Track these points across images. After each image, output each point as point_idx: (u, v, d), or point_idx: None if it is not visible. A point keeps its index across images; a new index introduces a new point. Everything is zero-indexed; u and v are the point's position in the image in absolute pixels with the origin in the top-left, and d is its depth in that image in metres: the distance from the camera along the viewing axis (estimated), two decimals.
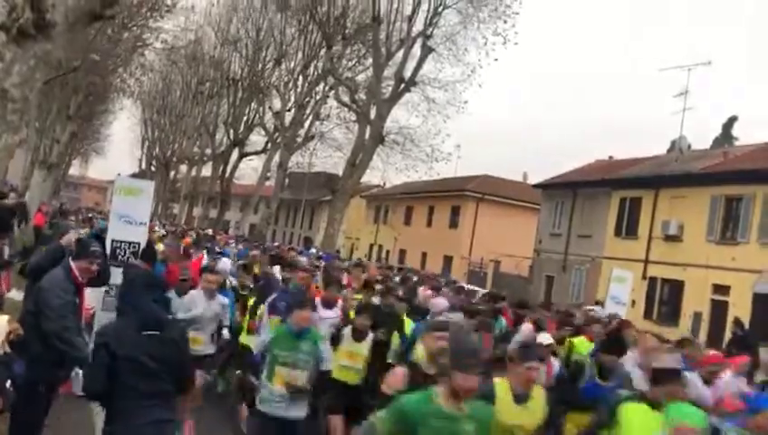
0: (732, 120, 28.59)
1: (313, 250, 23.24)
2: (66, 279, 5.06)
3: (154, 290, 4.12)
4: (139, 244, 8.60)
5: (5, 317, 2.54)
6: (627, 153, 33.02)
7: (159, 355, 3.88)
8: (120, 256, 8.55)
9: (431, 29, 28.79)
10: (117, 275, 8.13)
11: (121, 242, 8.66)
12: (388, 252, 45.34)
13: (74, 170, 71.95)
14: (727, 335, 18.88)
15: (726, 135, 28.39)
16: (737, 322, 17.87)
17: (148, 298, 4.03)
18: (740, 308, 20.53)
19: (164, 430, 3.92)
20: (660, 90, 63.14)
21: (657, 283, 25.05)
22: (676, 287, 24.13)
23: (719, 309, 21.87)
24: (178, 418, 4.01)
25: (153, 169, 61.17)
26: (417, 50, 29.03)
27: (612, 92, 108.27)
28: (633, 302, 22.35)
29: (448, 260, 38.58)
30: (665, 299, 24.86)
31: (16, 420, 4.77)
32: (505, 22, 28.01)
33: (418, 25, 28.90)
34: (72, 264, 5.23)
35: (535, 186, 35.29)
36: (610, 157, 34.13)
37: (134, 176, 51.45)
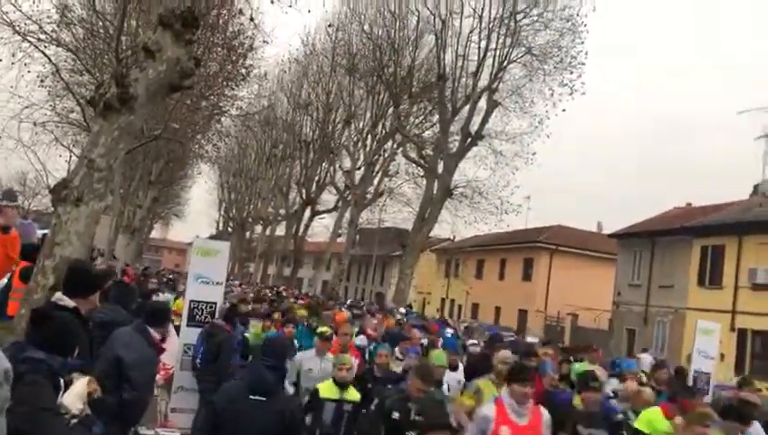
0: None
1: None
2: (149, 347, 5.08)
3: (270, 356, 4.16)
4: (215, 304, 8.77)
5: (86, 378, 2.64)
6: (706, 200, 31.84)
7: (261, 423, 3.88)
8: (197, 317, 8.74)
9: (496, 83, 28.99)
10: (193, 335, 8.34)
11: (199, 302, 8.87)
12: (460, 306, 44.78)
13: (155, 233, 74.91)
14: None
15: None
16: None
17: (262, 362, 4.09)
18: None
19: None
20: (740, 133, 61.04)
21: (747, 335, 23.66)
22: None
23: None
24: None
25: (230, 229, 63.04)
26: (482, 104, 29.22)
27: (688, 137, 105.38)
28: (722, 356, 21.17)
29: (523, 314, 37.73)
30: (757, 352, 23.41)
31: None
32: (571, 73, 27.95)
33: (483, 81, 29.18)
34: (151, 329, 5.27)
35: (611, 235, 34.33)
36: (689, 204, 32.97)
37: (212, 237, 53.20)
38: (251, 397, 3.91)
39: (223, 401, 4.06)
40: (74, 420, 1.94)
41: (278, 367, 4.07)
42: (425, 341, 10.88)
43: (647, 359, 10.54)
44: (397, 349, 8.58)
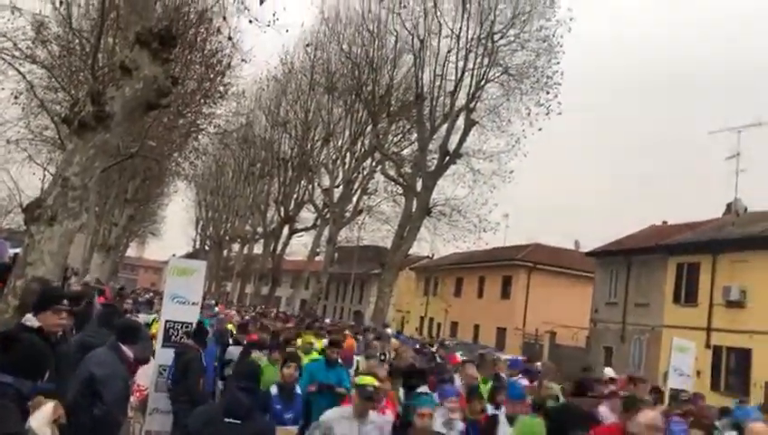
0: None
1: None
2: (120, 364, 5.06)
3: (243, 379, 4.13)
4: (191, 324, 8.69)
5: (52, 403, 2.58)
6: (681, 218, 32.31)
7: None
8: (173, 337, 8.64)
9: (474, 103, 29.26)
10: (168, 356, 8.23)
11: (175, 322, 8.76)
12: (439, 325, 44.74)
13: (131, 252, 74.08)
14: None
15: None
16: None
17: (236, 385, 4.07)
18: None
19: None
20: (712, 152, 62.15)
21: (722, 352, 23.92)
22: (743, 356, 22.99)
23: None
24: None
25: (207, 248, 62.54)
26: (460, 123, 29.44)
27: (662, 156, 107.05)
28: (698, 373, 21.37)
29: (502, 332, 37.80)
30: (732, 369, 23.66)
31: None
32: (548, 93, 28.28)
33: (461, 100, 29.44)
34: (123, 347, 5.24)
35: (588, 253, 34.62)
36: (664, 222, 33.40)
37: (188, 255, 52.78)
38: (225, 420, 3.87)
39: (197, 423, 4.05)
40: None
41: (252, 390, 4.03)
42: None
43: (608, 372, 10.69)
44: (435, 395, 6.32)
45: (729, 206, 28.48)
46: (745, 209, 27.61)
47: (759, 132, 26.92)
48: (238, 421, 3.88)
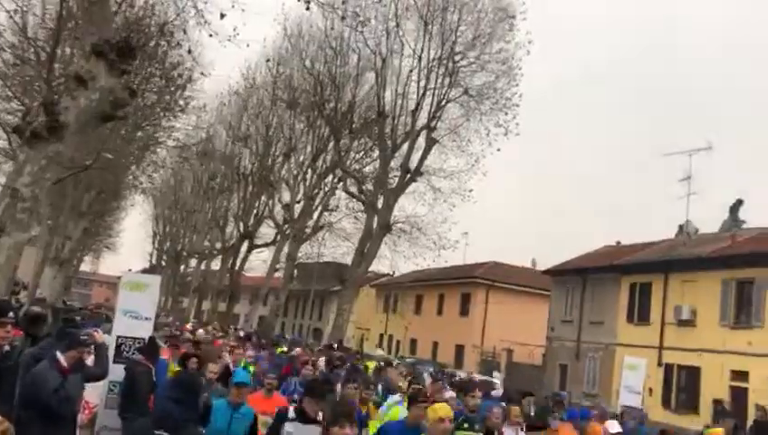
0: (738, 203, 28.62)
1: None
2: (51, 370, 5.02)
3: (176, 390, 4.11)
4: (144, 339, 8.55)
5: None
6: (634, 238, 33.03)
7: None
8: (125, 352, 8.49)
9: (435, 122, 29.63)
10: (119, 373, 8.07)
11: (127, 338, 8.61)
12: (398, 342, 44.73)
13: (86, 266, 72.35)
14: (749, 422, 18.23)
15: (734, 218, 28.37)
16: (761, 408, 17.30)
17: (166, 396, 4.06)
18: (761, 394, 19.91)
19: None
20: (666, 175, 63.88)
21: (673, 369, 24.46)
22: (693, 374, 23.54)
23: (739, 395, 21.23)
24: None
25: (163, 263, 61.50)
26: (421, 142, 29.78)
27: (617, 178, 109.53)
28: (650, 390, 21.82)
29: (460, 349, 37.98)
30: (682, 386, 24.20)
31: None
32: (506, 114, 28.83)
33: (422, 119, 29.80)
34: (58, 354, 5.21)
35: (545, 272, 35.13)
36: (618, 242, 34.11)
37: (145, 271, 51.73)
38: (156, 432, 3.86)
39: None
40: None
41: (184, 402, 3.99)
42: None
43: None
44: None
45: (681, 227, 29.26)
46: (696, 231, 28.39)
47: (709, 156, 27.79)
48: (166, 434, 3.87)
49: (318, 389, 5.43)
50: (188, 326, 22.74)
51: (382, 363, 14.12)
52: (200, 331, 19.37)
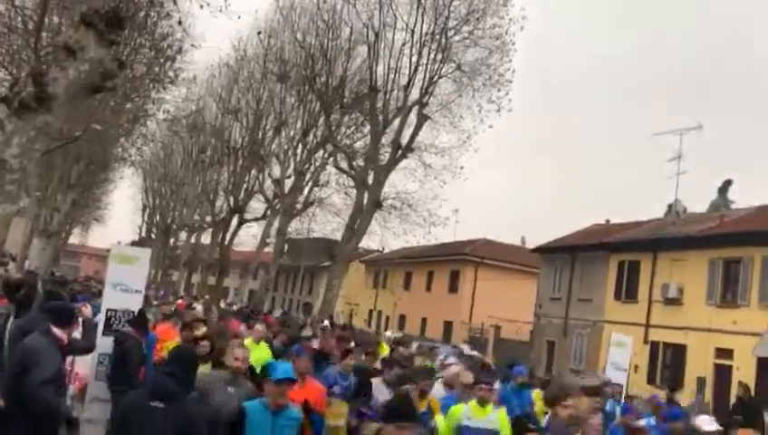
0: (727, 183, 28.81)
1: None
2: (52, 347, 5.05)
3: (171, 364, 4.14)
4: (134, 312, 8.56)
5: None
6: (624, 217, 33.24)
7: (159, 428, 3.87)
8: (114, 325, 8.50)
9: (427, 97, 29.42)
10: (108, 345, 8.09)
11: (116, 311, 8.62)
12: (387, 317, 45.00)
13: (74, 239, 72.05)
14: (732, 400, 18.56)
15: (722, 198, 28.55)
16: (743, 386, 17.61)
17: (162, 369, 4.11)
18: (744, 372, 20.23)
19: None
20: (656, 154, 64.07)
21: (659, 347, 24.77)
22: (678, 351, 23.85)
23: (723, 373, 21.56)
24: None
25: (153, 236, 61.30)
26: (413, 117, 29.58)
27: (608, 156, 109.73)
28: (636, 367, 22.12)
29: (448, 325, 38.25)
30: (667, 363, 24.53)
31: None
32: (499, 90, 28.65)
33: (414, 94, 29.56)
34: (55, 329, 5.23)
35: (534, 250, 35.32)
36: (607, 220, 34.29)
37: (134, 243, 51.58)
38: (150, 403, 3.89)
39: (124, 407, 4.13)
40: None
41: (179, 376, 4.01)
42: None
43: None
44: None
45: (670, 206, 29.43)
46: (685, 210, 28.58)
47: (699, 136, 27.85)
48: (162, 405, 3.89)
49: (406, 412, 4.17)
50: (182, 301, 21.51)
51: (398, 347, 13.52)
52: (197, 306, 18.49)
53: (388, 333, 19.26)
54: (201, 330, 8.90)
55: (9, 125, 7.58)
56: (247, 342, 8.94)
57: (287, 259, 49.71)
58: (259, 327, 10.44)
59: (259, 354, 8.47)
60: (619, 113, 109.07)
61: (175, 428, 3.87)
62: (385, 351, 12.47)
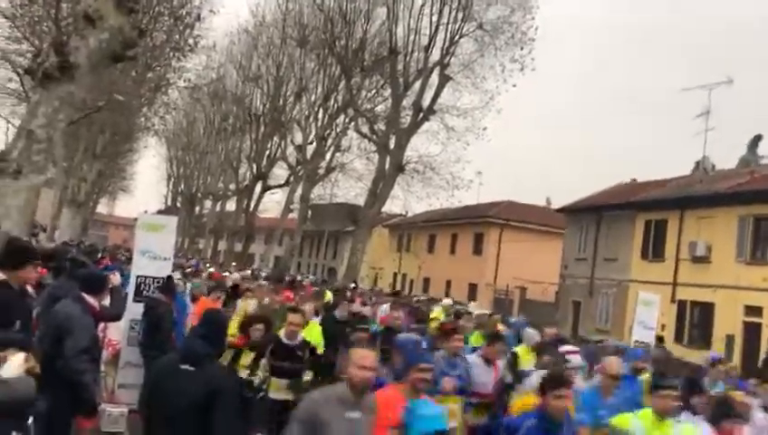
0: (757, 138, 28.12)
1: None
2: (85, 314, 5.13)
3: (204, 326, 4.19)
4: (163, 279, 8.70)
5: (23, 354, 2.59)
6: (650, 175, 32.74)
7: (188, 391, 3.91)
8: (144, 291, 8.67)
9: (448, 58, 29.03)
10: (139, 311, 8.25)
11: (146, 277, 8.79)
12: (411, 281, 45.20)
13: (102, 209, 73.18)
14: (761, 357, 18.45)
15: (752, 153, 27.93)
16: None
17: (194, 333, 4.17)
18: None
19: None
20: (683, 110, 62.72)
21: (686, 306, 24.59)
22: (706, 310, 23.65)
23: (752, 331, 21.37)
24: None
25: (179, 204, 61.97)
26: (434, 79, 29.25)
27: (634, 115, 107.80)
28: (663, 326, 22.01)
29: (473, 288, 38.32)
30: (695, 322, 24.37)
31: None
32: (522, 48, 28.16)
33: (435, 55, 29.18)
34: (87, 297, 5.31)
35: (559, 210, 35.06)
36: (633, 179, 33.84)
37: (160, 212, 52.21)
38: (181, 367, 3.95)
39: (156, 370, 4.23)
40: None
41: (210, 338, 4.07)
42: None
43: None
44: None
45: (698, 163, 28.92)
46: (713, 167, 28.07)
47: (729, 91, 27.20)
48: (192, 368, 3.94)
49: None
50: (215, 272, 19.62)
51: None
52: (236, 274, 17.35)
53: (447, 301, 16.56)
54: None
55: (34, 96, 7.64)
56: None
57: (311, 225, 50.01)
58: (308, 308, 8.85)
59: (310, 333, 7.43)
60: (645, 69, 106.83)
61: (205, 391, 3.91)
62: (439, 317, 11.53)
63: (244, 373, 6.49)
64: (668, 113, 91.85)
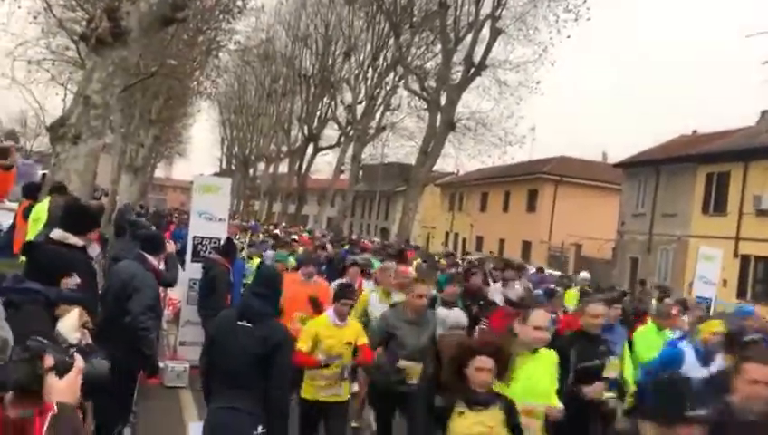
0: None
1: None
2: (147, 272, 5.28)
3: (260, 285, 4.28)
4: (219, 239, 8.87)
5: (77, 310, 2.67)
6: (711, 127, 31.46)
7: (246, 347, 4.00)
8: (201, 252, 8.86)
9: (500, 10, 28.19)
10: (197, 271, 8.45)
11: (203, 238, 8.97)
12: (464, 240, 45.07)
13: (160, 173, 74.98)
14: None
15: None
16: None
17: (251, 291, 4.29)
18: None
19: (238, 418, 3.99)
20: (746, 58, 59.70)
21: (749, 260, 23.81)
22: None
23: None
24: (261, 412, 4.03)
25: (233, 167, 62.98)
26: (485, 32, 28.51)
27: (693, 63, 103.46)
28: (725, 281, 21.40)
29: (527, 245, 37.97)
30: (759, 277, 23.61)
31: (102, 408, 4.99)
32: None
33: (486, 7, 28.37)
34: (148, 257, 5.46)
35: (616, 165, 34.18)
36: (694, 131, 32.63)
37: (215, 175, 53.21)
38: (239, 323, 4.06)
39: (216, 327, 4.35)
40: (73, 350, 1.96)
41: (267, 295, 4.15)
42: None
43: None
44: None
45: (763, 113, 27.65)
46: None
47: None
48: (250, 325, 4.03)
49: None
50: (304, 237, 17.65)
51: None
52: (329, 247, 14.07)
53: (585, 274, 14.89)
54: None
55: (89, 62, 7.78)
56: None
57: (362, 185, 50.18)
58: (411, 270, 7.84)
59: None
60: (706, 14, 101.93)
61: (261, 348, 4.00)
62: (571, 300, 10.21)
63: None
64: (732, 59, 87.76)
